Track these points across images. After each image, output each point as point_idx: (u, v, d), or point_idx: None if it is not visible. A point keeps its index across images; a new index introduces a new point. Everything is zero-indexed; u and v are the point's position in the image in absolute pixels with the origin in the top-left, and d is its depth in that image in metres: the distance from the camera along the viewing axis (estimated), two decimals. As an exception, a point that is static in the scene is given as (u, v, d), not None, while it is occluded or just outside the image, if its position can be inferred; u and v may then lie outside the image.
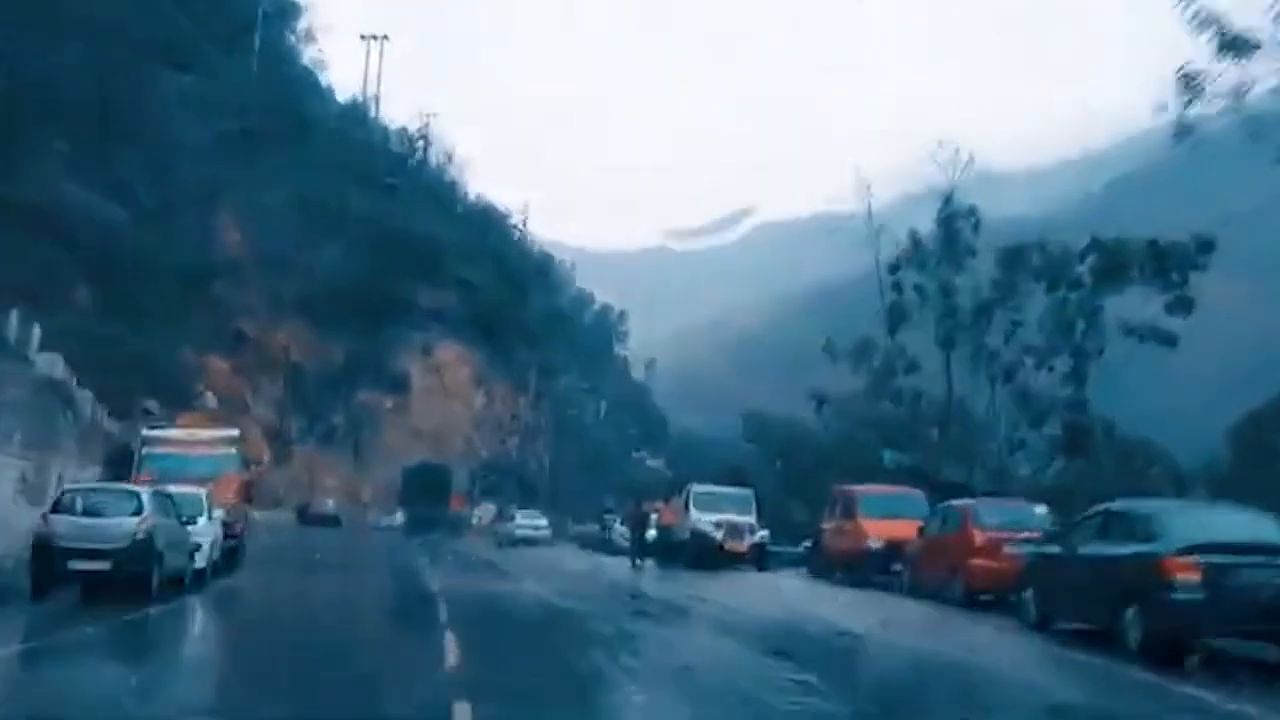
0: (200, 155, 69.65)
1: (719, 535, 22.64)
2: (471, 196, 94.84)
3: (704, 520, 22.66)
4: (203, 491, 18.88)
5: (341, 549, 32.92)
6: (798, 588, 20.18)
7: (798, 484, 40.15)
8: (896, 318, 41.78)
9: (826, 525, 21.47)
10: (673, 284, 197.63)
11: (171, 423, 23.64)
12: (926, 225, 43.27)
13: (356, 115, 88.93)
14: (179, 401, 55.29)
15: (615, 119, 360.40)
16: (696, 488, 24.48)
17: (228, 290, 63.27)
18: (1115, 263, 39.48)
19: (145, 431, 22.69)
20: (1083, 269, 40.91)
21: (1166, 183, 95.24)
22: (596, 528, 46.34)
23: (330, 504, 64.50)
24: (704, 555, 22.50)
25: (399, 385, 72.68)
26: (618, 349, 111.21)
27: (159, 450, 22.02)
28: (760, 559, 23.25)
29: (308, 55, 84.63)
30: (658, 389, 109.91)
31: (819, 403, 45.39)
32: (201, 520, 17.78)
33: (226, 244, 66.42)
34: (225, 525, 21.00)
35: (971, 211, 42.15)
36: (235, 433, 22.84)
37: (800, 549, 24.77)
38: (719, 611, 15.07)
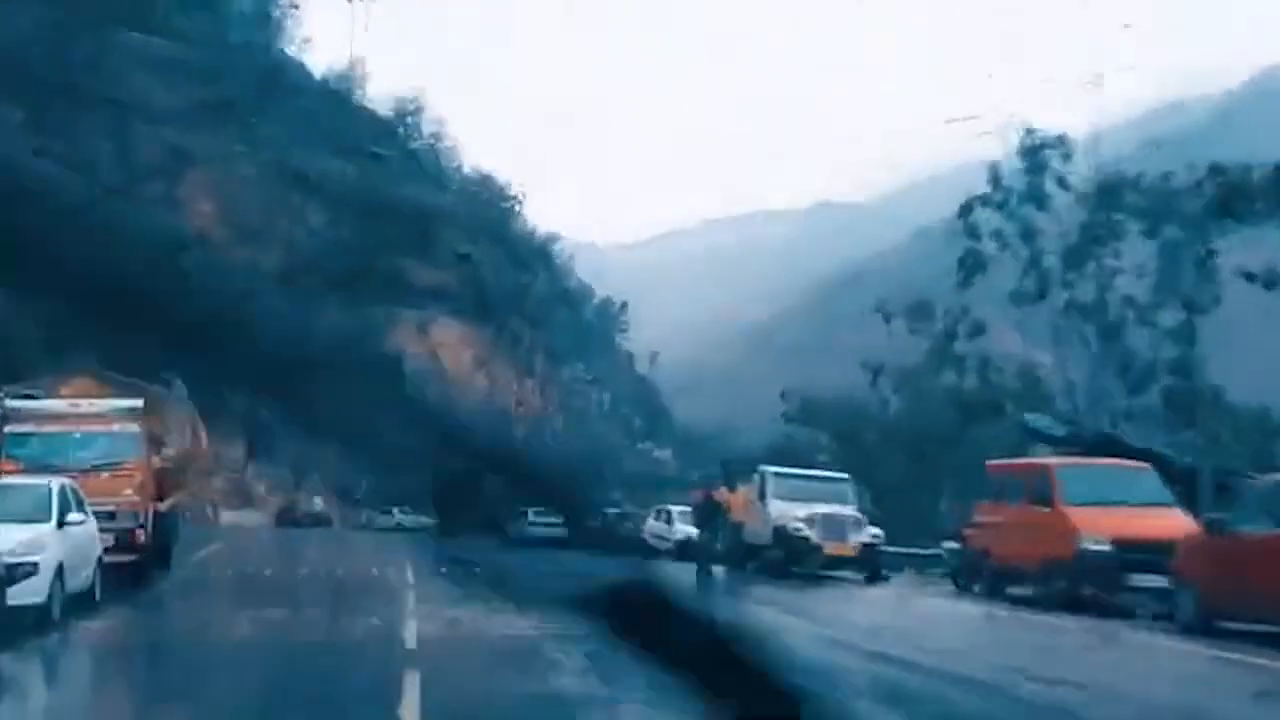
0: (167, 123, 63.67)
1: (813, 534, 16.19)
2: (467, 169, 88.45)
3: (790, 514, 16.38)
4: (51, 483, 12.57)
5: (325, 560, 26.99)
6: (964, 615, 13.67)
7: (859, 468, 33.80)
8: (971, 267, 35.32)
9: (988, 518, 15.01)
10: (672, 278, 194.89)
11: (49, 392, 17.09)
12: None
13: (340, 83, 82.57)
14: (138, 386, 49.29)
15: (610, 113, 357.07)
16: (773, 471, 18.05)
17: (196, 264, 56.83)
18: (1236, 193, 33.01)
19: (5, 403, 16.18)
20: (1190, 207, 34.52)
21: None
22: (597, 525, 41.44)
23: (319, 502, 58.43)
24: (795, 561, 16.17)
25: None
26: (619, 341, 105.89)
27: (25, 428, 15.68)
28: (872, 566, 16.75)
29: (288, 20, 78.18)
30: (660, 383, 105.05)
31: (874, 374, 39.04)
32: (44, 527, 11.44)
33: (195, 215, 60.15)
34: (119, 535, 14.82)
35: (1061, 140, 35.64)
36: (137, 403, 16.43)
37: (891, 549, 18.59)
38: (875, 665, 8.68)
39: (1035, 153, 34.26)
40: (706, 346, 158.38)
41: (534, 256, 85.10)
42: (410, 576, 18.51)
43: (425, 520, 65.36)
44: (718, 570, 17.40)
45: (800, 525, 15.81)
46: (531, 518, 39.04)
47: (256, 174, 65.50)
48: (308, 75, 78.74)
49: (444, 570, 20.53)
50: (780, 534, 16.30)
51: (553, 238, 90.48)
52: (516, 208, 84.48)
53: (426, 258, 70.31)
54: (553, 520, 35.23)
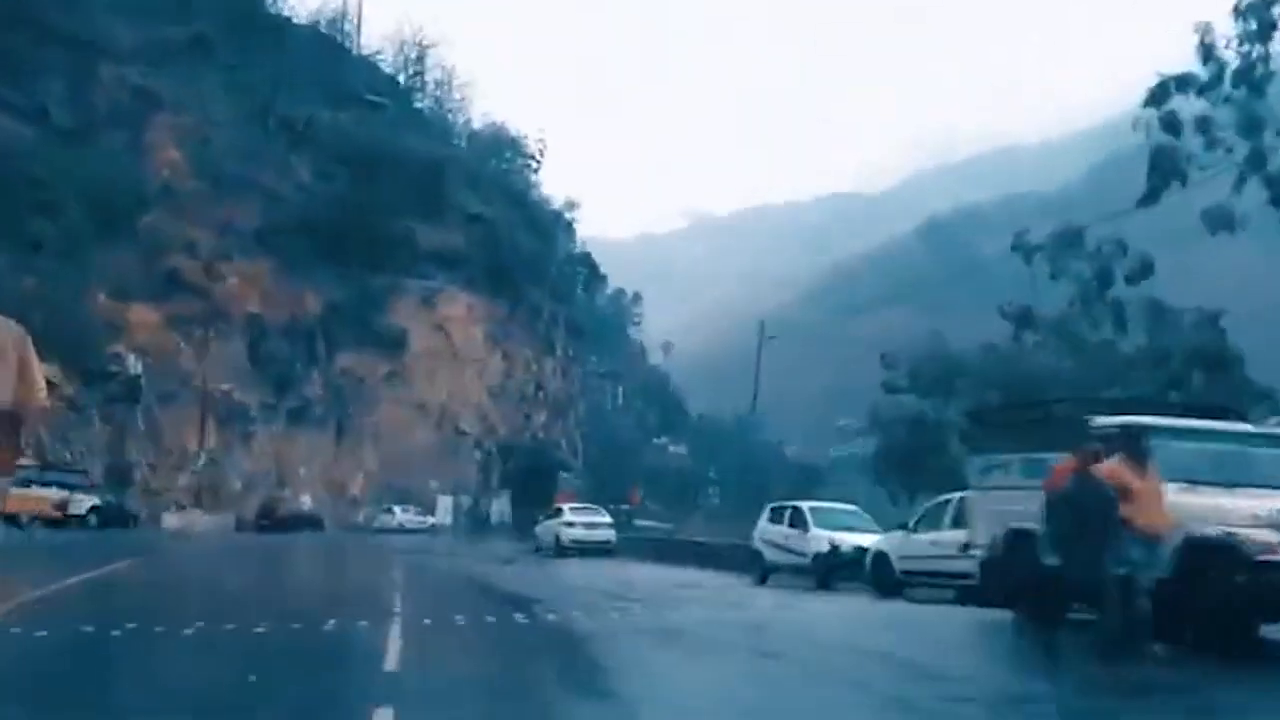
0: (131, 62, 55.44)
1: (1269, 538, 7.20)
2: (476, 122, 79.81)
3: (1235, 510, 7.48)
4: None
5: (306, 583, 18.75)
6: None
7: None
8: (1163, 171, 26.48)
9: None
10: (683, 269, 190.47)
11: None
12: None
13: (333, 26, 74.25)
14: (82, 360, 41.21)
15: (618, 103, 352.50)
16: (1182, 427, 8.44)
17: (161, 221, 48.83)
18: None
19: None
20: None
21: None
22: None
23: (307, 501, 50.23)
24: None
25: (394, 346, 58.21)
26: (632, 333, 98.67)
27: None
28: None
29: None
30: (673, 375, 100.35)
31: (1017, 324, 30.47)
32: None
33: (161, 164, 51.96)
34: None
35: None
36: None
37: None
38: None
39: (1260, 9, 25.33)
40: (720, 338, 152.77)
41: (553, 223, 76.57)
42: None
43: (432, 520, 57.14)
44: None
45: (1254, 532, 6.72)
46: (569, 516, 30.92)
47: (234, 120, 57.31)
48: (294, 15, 70.52)
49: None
50: (1202, 545, 7.05)
51: (572, 204, 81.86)
52: (536, 164, 75.82)
53: (433, 219, 62.03)
54: (600, 520, 25.71)
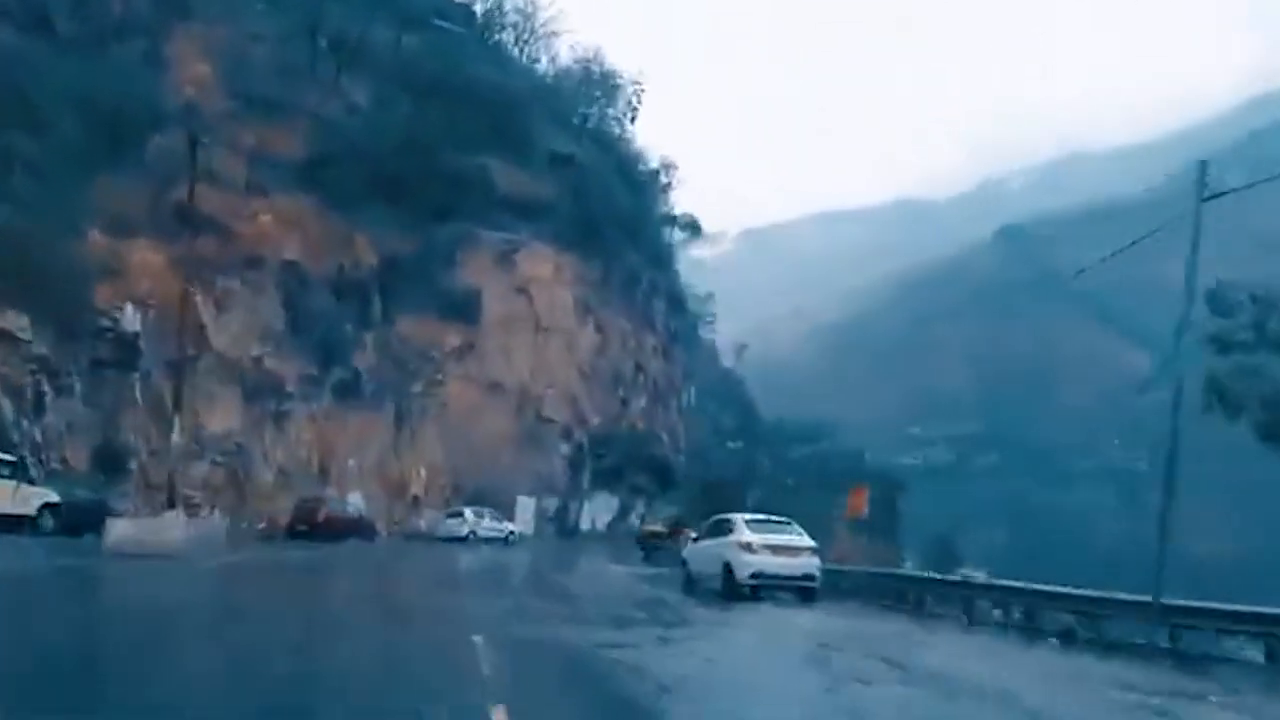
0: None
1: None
2: (564, 57, 68.84)
3: None
4: None
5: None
6: None
7: None
8: None
9: None
10: (746, 275, 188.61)
11: None
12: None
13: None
14: (63, 311, 31.95)
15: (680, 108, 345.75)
16: None
17: (179, 144, 39.26)
18: None
19: None
20: None
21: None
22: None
23: (355, 501, 40.59)
24: None
25: (465, 310, 48.23)
26: (704, 333, 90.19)
27: None
28: None
29: None
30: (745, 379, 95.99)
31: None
32: None
33: (183, 82, 42.58)
34: None
35: None
36: None
37: None
38: None
39: None
40: (789, 345, 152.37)
41: (650, 181, 65.80)
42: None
43: (510, 528, 46.85)
44: None
45: None
46: (746, 535, 20.16)
47: (276, 34, 47.87)
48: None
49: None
50: None
51: (668, 164, 70.58)
52: (632, 109, 64.98)
53: (512, 158, 52.00)
54: (801, 543, 19.02)
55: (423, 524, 45.09)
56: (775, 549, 18.85)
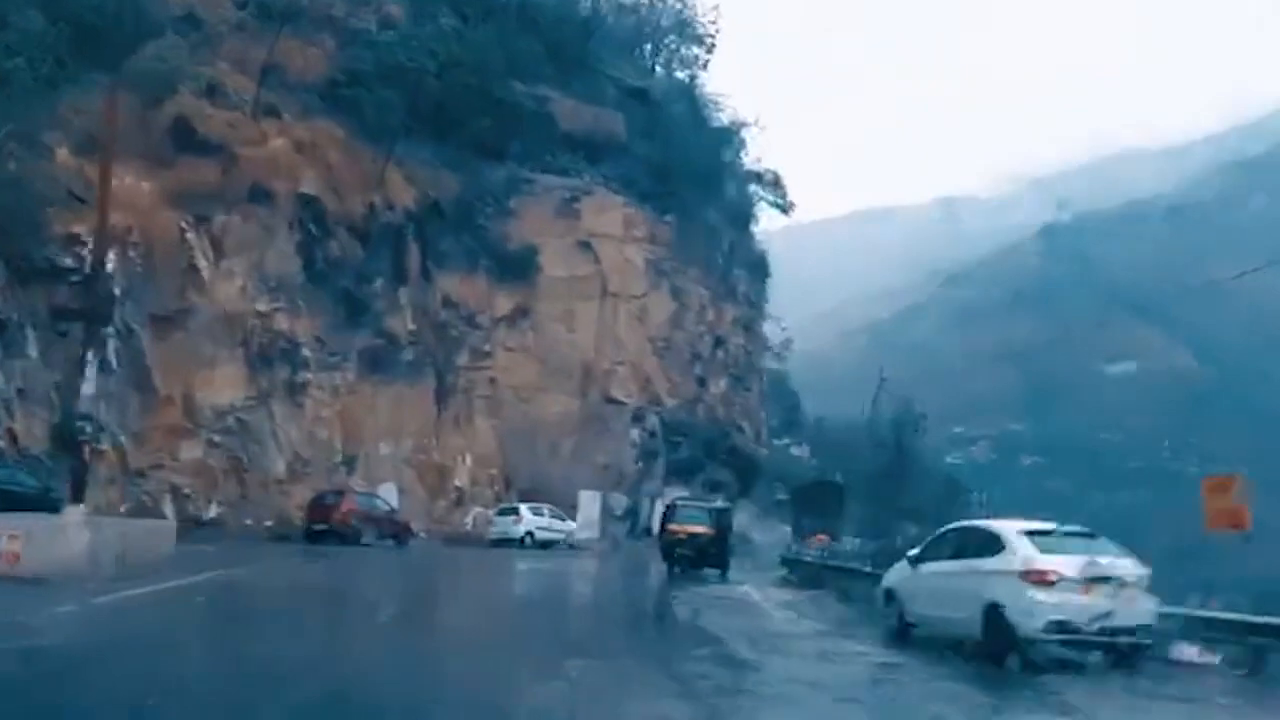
0: None
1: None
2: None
3: None
4: None
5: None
6: None
7: None
8: None
9: None
10: (790, 272, 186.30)
11: None
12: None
13: None
14: (16, 246, 25.32)
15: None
16: None
17: (174, 54, 32.56)
18: None
19: None
20: None
21: None
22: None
23: (388, 494, 33.66)
24: None
25: (519, 268, 41.00)
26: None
27: None
28: None
29: None
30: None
31: None
32: None
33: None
34: None
35: None
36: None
37: None
38: None
39: None
40: (828, 343, 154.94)
41: (730, 134, 57.86)
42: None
43: (573, 530, 39.66)
44: None
45: None
46: (1039, 558, 12.61)
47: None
48: None
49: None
50: None
51: (739, 124, 61.96)
52: (708, 46, 56.88)
53: (577, 89, 44.56)
54: (1119, 573, 12.42)
55: (469, 523, 37.97)
56: (1088, 582, 11.23)
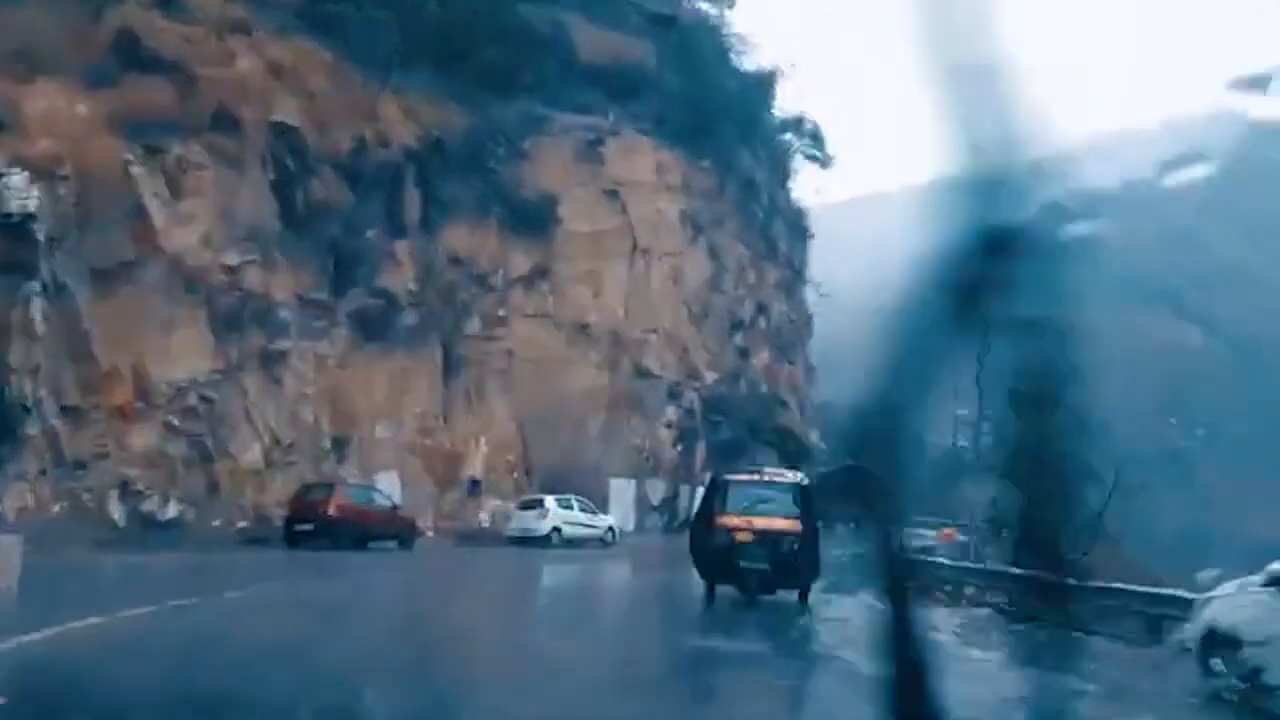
0: None
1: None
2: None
3: None
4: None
5: None
6: None
7: None
8: None
9: None
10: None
11: None
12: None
13: None
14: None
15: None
16: None
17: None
18: None
19: None
20: None
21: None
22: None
23: (385, 488, 28.40)
24: None
25: (536, 219, 35.66)
26: None
27: None
28: None
29: None
30: None
31: None
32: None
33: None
34: None
35: None
36: None
37: None
38: None
39: None
40: (829, 329, 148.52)
41: (765, 80, 52.06)
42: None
43: (610, 523, 34.27)
44: None
45: None
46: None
47: None
48: None
49: None
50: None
51: (772, 68, 55.93)
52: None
53: (599, 15, 38.95)
54: None
55: (484, 518, 32.74)
56: None
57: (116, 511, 23.52)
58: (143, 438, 24.33)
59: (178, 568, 17.95)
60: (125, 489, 23.82)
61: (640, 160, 39.36)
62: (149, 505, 24.02)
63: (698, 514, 17.93)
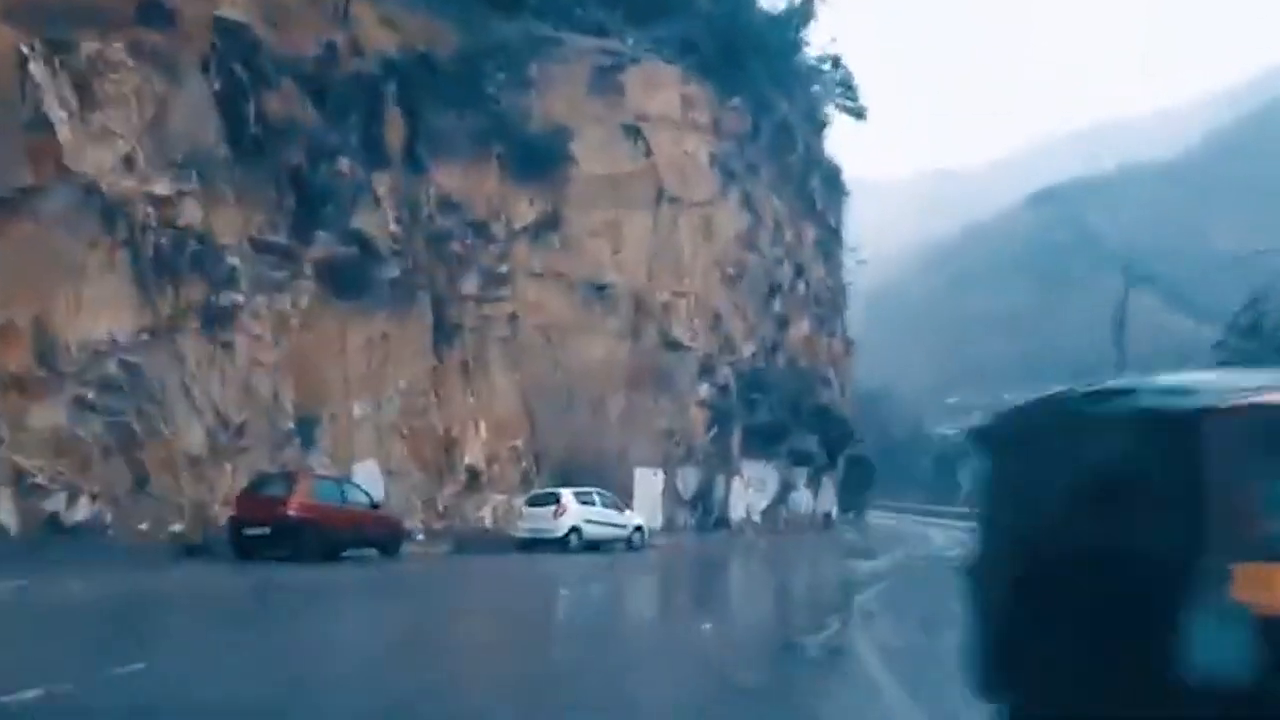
0: None
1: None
2: None
3: None
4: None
5: None
6: None
7: None
8: None
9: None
10: None
11: None
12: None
13: None
14: None
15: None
16: None
17: None
18: None
19: None
20: None
21: None
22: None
23: (363, 481, 22.93)
24: None
25: (544, 159, 30.28)
26: None
27: None
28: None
29: None
30: None
31: None
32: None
33: None
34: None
35: None
36: None
37: None
38: None
39: None
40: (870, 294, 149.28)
41: (795, 19, 46.64)
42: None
43: (635, 522, 28.57)
44: None
45: None
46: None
47: None
48: None
49: None
50: None
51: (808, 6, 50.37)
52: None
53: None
54: None
55: (485, 516, 27.46)
56: None
57: (7, 513, 18.18)
58: (45, 416, 18.92)
59: (59, 605, 12.52)
60: (20, 482, 18.43)
61: (664, 93, 33.91)
62: (51, 504, 18.66)
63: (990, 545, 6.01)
